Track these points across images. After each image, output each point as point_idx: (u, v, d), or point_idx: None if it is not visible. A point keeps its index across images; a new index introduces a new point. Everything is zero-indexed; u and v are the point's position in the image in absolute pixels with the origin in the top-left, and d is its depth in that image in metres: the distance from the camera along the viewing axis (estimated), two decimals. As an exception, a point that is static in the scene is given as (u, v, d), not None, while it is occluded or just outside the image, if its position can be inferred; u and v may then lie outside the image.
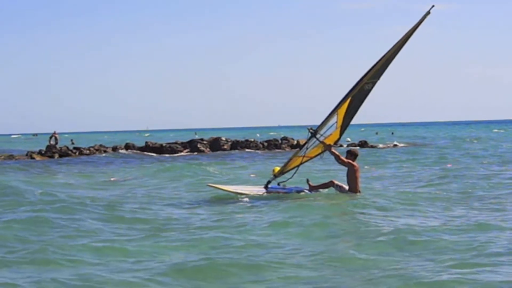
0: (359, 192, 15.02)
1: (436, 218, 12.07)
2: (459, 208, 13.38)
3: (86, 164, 31.28)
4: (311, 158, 16.05)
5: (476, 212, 12.84)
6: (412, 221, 11.59)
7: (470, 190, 16.48)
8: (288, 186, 15.84)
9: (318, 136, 15.33)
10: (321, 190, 15.44)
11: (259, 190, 15.69)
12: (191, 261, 8.53)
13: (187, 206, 14.53)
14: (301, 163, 15.93)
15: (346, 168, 15.05)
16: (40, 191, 16.67)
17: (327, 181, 15.63)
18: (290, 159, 16.05)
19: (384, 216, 12.34)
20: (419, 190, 16.90)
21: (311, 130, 15.38)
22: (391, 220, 11.70)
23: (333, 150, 15.13)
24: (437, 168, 24.13)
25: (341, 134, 15.60)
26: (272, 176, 15.92)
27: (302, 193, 15.39)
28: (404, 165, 26.26)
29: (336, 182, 15.29)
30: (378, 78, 15.07)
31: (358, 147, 41.58)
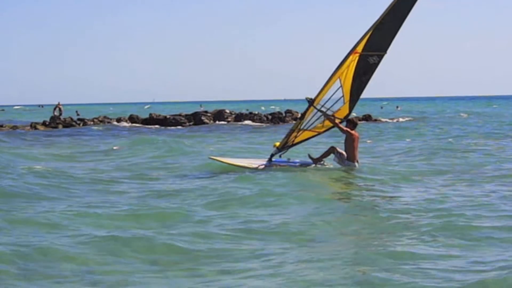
0: (357, 161, 15.11)
1: (429, 192, 12.11)
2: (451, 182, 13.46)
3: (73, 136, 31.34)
4: (320, 133, 15.93)
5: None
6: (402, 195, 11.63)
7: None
8: (292, 159, 15.86)
9: (318, 107, 15.30)
10: (324, 159, 15.46)
11: (262, 163, 15.70)
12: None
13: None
14: (305, 140, 15.91)
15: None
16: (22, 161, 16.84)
17: (327, 149, 15.58)
18: (290, 132, 15.89)
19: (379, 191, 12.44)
20: (416, 163, 16.95)
21: (308, 99, 15.39)
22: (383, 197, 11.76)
23: (331, 119, 15.18)
24: (433, 142, 24.18)
25: (350, 109, 15.50)
26: (274, 149, 15.87)
27: (306, 167, 15.41)
28: (407, 139, 26.31)
29: (337, 148, 15.32)
30: (385, 51, 14.93)
31: (363, 121, 41.90)
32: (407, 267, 6.97)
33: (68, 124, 40.33)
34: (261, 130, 34.67)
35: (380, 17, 14.60)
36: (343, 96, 15.32)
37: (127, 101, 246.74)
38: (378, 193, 12.08)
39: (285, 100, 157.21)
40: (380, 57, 15.01)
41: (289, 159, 15.83)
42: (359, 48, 14.89)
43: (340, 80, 15.21)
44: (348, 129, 15.08)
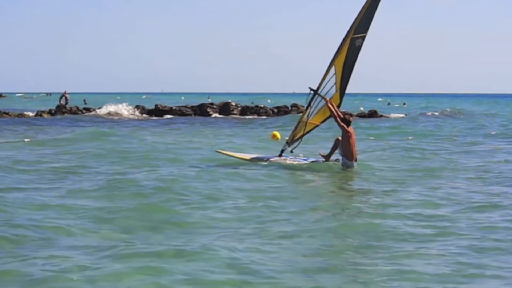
0: (355, 159, 15.07)
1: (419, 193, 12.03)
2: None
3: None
4: (317, 125, 16.09)
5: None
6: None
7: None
8: (303, 156, 15.91)
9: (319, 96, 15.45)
10: (334, 155, 15.48)
11: (272, 157, 15.79)
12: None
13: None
14: (308, 131, 15.98)
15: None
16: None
17: (334, 142, 15.60)
18: (298, 124, 16.04)
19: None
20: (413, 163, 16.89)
21: (311, 89, 15.46)
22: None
23: (330, 106, 15.19)
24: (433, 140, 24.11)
25: (341, 98, 15.64)
26: (285, 144, 15.94)
27: (315, 163, 15.50)
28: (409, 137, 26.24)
29: (339, 138, 15.32)
30: (366, 32, 15.16)
31: (369, 117, 42.07)
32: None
33: (74, 113, 40.58)
34: (241, 125, 34.40)
35: (367, 2, 14.91)
36: (335, 83, 15.46)
37: (137, 90, 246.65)
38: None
39: (293, 94, 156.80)
40: (363, 39, 15.22)
41: (298, 155, 15.89)
42: (352, 32, 15.13)
43: (335, 67, 15.36)
44: (344, 125, 15.06)
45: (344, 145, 15.06)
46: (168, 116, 40.45)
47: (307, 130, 15.93)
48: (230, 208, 10.21)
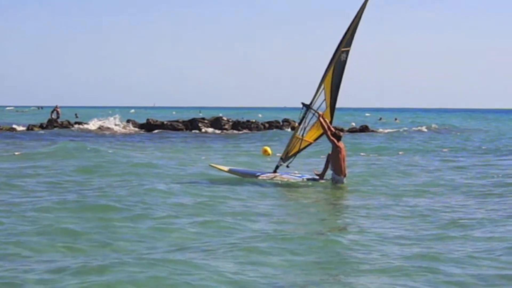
0: (345, 175, 15.10)
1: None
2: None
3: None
4: (311, 143, 16.08)
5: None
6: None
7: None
8: (298, 173, 15.88)
9: (311, 111, 15.47)
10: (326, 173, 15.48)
11: (266, 174, 15.70)
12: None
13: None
14: (302, 149, 15.97)
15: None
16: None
17: (325, 159, 15.62)
18: (291, 140, 16.03)
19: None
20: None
21: (304, 104, 15.48)
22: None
23: (322, 120, 15.23)
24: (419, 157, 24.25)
25: (331, 114, 15.66)
26: (279, 160, 15.87)
27: (309, 182, 15.42)
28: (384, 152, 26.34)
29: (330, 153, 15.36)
30: (349, 46, 15.32)
31: (360, 132, 42.31)
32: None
33: (65, 126, 40.90)
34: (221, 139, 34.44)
35: (357, 16, 15.07)
36: (325, 99, 15.52)
37: (129, 104, 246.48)
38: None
39: (284, 108, 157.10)
40: (347, 53, 15.33)
41: (295, 173, 15.84)
42: (341, 47, 15.26)
43: (324, 82, 15.47)
44: (335, 140, 15.10)
45: (334, 160, 15.09)
46: (157, 131, 40.31)
47: (301, 147, 15.91)
48: (202, 224, 10.12)
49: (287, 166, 15.86)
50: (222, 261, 7.81)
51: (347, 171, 15.27)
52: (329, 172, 15.37)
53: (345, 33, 15.23)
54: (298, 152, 15.92)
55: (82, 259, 7.85)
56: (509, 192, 14.28)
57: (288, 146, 15.99)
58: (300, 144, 15.82)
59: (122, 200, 11.97)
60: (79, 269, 7.32)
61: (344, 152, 15.16)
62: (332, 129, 15.36)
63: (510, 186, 15.25)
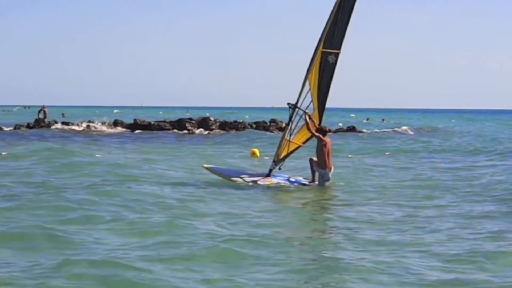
0: (330, 168, 15.13)
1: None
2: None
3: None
4: (300, 146, 15.98)
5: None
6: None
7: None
8: (289, 176, 15.81)
9: (297, 110, 15.43)
10: (315, 176, 15.47)
11: (259, 178, 15.54)
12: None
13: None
14: (291, 152, 15.89)
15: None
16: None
17: (309, 163, 15.67)
18: (280, 142, 15.93)
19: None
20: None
21: (290, 104, 15.45)
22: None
23: (307, 118, 15.24)
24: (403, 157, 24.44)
25: (320, 117, 15.65)
26: (272, 163, 15.78)
27: (302, 186, 15.38)
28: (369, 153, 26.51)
29: (313, 158, 15.45)
30: (339, 49, 15.24)
31: (347, 132, 42.57)
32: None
33: (51, 126, 40.97)
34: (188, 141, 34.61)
35: (332, 12, 15.00)
36: (312, 101, 15.50)
37: (116, 104, 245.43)
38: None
39: (272, 108, 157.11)
40: (337, 55, 15.30)
41: (290, 177, 15.79)
42: (321, 45, 15.19)
43: (309, 82, 15.40)
44: (320, 135, 15.15)
45: (318, 154, 15.12)
46: (139, 131, 40.26)
47: (290, 150, 15.87)
48: (165, 224, 10.06)
49: (279, 169, 15.82)
50: (187, 264, 7.82)
51: (332, 165, 15.28)
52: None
53: (324, 29, 15.08)
54: (288, 155, 15.88)
55: (35, 259, 7.87)
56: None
57: (278, 148, 15.92)
58: (288, 146, 15.79)
59: (80, 200, 11.92)
60: (32, 268, 7.35)
61: (329, 146, 15.17)
62: (317, 125, 15.32)
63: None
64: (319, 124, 15.57)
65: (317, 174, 15.41)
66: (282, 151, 15.80)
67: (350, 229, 10.34)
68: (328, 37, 15.14)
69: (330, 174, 15.17)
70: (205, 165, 16.42)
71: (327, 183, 15.23)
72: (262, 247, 8.67)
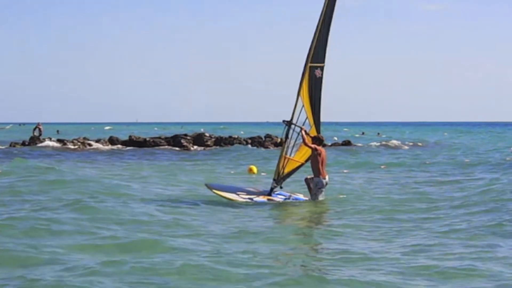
0: (324, 176, 15.09)
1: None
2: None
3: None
4: (302, 164, 15.79)
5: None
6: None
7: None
8: (291, 193, 15.77)
9: (293, 127, 15.39)
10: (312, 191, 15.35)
11: (260, 198, 15.38)
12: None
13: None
14: (294, 170, 15.77)
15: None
16: None
17: (304, 183, 15.65)
18: (279, 160, 15.75)
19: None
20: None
21: (285, 122, 15.47)
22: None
23: (303, 133, 15.22)
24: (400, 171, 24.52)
25: (317, 131, 15.59)
26: (273, 182, 15.64)
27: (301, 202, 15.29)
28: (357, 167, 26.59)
29: (308, 177, 15.47)
30: (323, 62, 15.32)
31: (342, 146, 42.74)
32: None
33: (45, 144, 41.08)
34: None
35: (317, 27, 15.09)
36: (307, 117, 15.50)
37: (110, 120, 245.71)
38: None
39: (267, 123, 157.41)
40: (322, 69, 15.36)
41: (291, 195, 15.70)
42: (310, 60, 15.27)
43: (302, 98, 15.43)
44: (316, 145, 15.11)
45: (313, 162, 15.09)
46: (131, 148, 40.19)
47: (293, 168, 15.72)
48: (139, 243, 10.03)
49: (281, 187, 15.72)
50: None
51: (327, 174, 15.23)
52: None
53: (311, 45, 15.17)
54: (290, 173, 15.76)
55: (3, 276, 7.85)
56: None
57: (278, 166, 15.76)
58: (287, 163, 15.62)
59: (60, 218, 11.84)
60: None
61: (324, 155, 15.12)
62: (310, 139, 15.27)
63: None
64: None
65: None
66: (282, 169, 15.68)
67: (342, 244, 10.34)
68: (315, 52, 15.25)
69: (325, 182, 15.13)
70: (207, 184, 16.28)
71: (323, 191, 15.18)
72: (252, 265, 8.67)
